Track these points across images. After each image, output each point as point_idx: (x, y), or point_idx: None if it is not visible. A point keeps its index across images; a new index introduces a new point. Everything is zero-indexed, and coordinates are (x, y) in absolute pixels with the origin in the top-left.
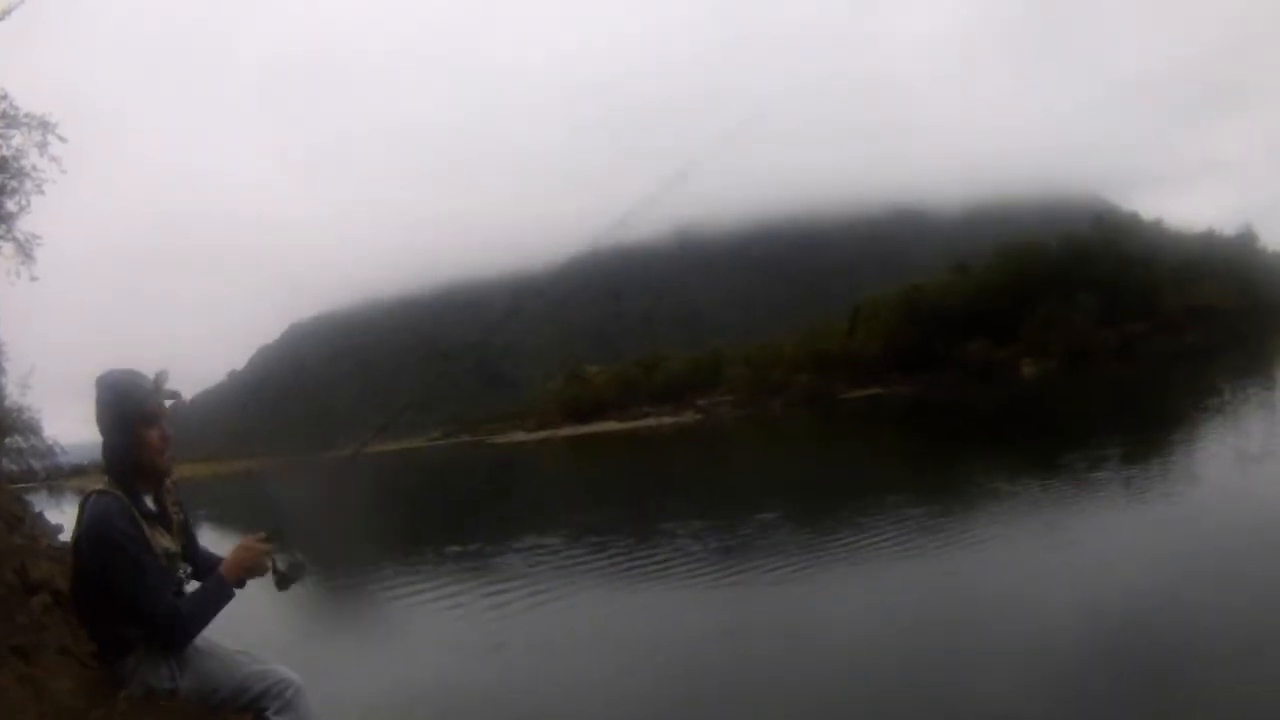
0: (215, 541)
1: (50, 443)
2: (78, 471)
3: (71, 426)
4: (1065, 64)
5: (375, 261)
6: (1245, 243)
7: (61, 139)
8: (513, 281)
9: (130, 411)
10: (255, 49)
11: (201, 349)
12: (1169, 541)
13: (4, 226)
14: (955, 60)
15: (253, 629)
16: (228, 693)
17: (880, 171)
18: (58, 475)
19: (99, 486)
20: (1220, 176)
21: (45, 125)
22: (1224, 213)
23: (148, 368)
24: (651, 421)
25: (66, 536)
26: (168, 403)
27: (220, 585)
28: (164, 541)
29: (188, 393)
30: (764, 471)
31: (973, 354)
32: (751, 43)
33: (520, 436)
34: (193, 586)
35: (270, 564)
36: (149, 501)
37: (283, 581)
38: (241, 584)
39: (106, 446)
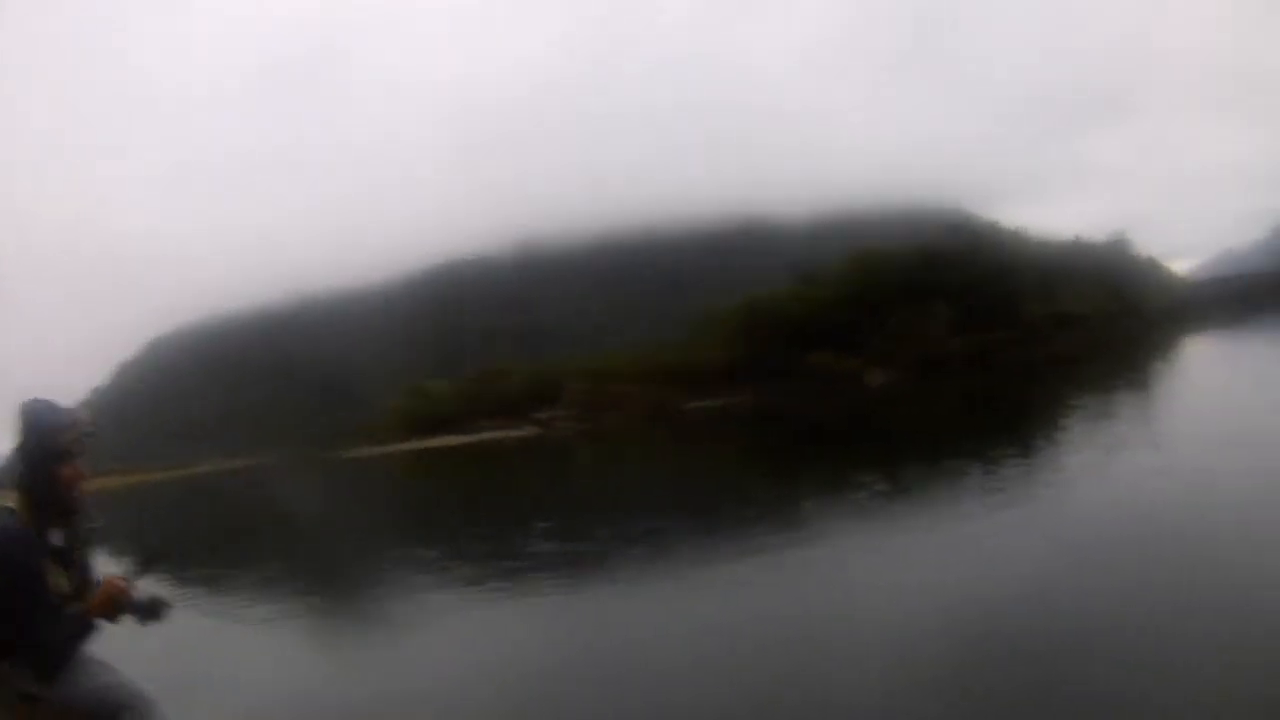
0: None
1: None
2: None
3: None
4: (934, 76)
5: (231, 274)
6: (1119, 250)
7: None
8: (358, 294)
9: (46, 446)
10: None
11: (58, 365)
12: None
13: None
14: (812, 71)
15: None
16: (87, 705)
17: (726, 183)
18: None
19: (7, 503)
20: (1103, 185)
21: None
22: (1104, 221)
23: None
24: (492, 435)
25: None
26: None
27: (83, 622)
28: (61, 581)
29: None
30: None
31: (815, 364)
32: (602, 57)
33: (364, 452)
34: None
35: (132, 602)
36: (57, 537)
37: (145, 615)
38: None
39: (21, 475)
